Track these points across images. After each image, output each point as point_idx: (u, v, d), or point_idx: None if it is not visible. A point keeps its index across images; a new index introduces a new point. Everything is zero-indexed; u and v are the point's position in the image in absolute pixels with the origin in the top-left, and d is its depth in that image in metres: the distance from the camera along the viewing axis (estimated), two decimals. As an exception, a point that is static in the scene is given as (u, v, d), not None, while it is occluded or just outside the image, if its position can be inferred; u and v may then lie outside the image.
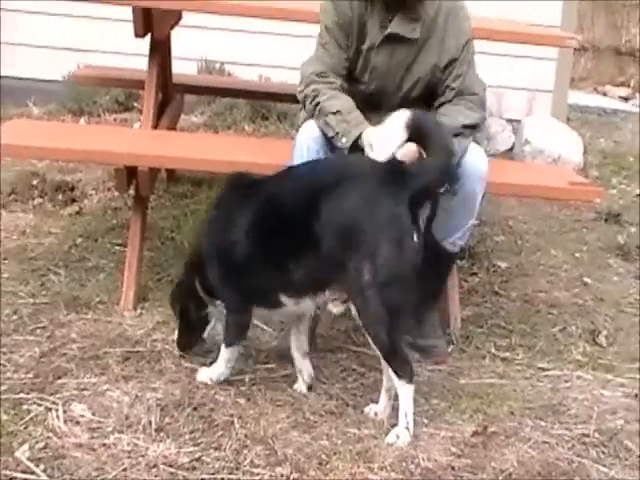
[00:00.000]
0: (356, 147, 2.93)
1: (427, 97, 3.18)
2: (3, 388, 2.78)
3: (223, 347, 2.89)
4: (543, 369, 3.27)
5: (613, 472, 2.64)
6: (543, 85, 6.48)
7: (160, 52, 4.11)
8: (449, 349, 3.35)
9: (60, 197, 4.48)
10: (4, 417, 2.62)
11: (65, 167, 4.85)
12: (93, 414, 2.68)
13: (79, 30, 6.13)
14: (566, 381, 3.20)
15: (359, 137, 2.91)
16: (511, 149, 6.23)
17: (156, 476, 2.42)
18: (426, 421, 2.83)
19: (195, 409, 2.74)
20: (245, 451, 2.56)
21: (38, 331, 3.17)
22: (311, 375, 2.94)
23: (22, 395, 2.75)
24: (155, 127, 4.01)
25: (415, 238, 2.65)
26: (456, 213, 3.15)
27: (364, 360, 3.14)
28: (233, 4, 3.72)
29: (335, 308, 2.80)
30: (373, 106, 3.11)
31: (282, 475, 2.46)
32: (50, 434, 2.56)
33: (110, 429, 2.61)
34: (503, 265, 4.23)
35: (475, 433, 2.76)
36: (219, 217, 2.90)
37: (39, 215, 4.29)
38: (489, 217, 4.84)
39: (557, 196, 3.90)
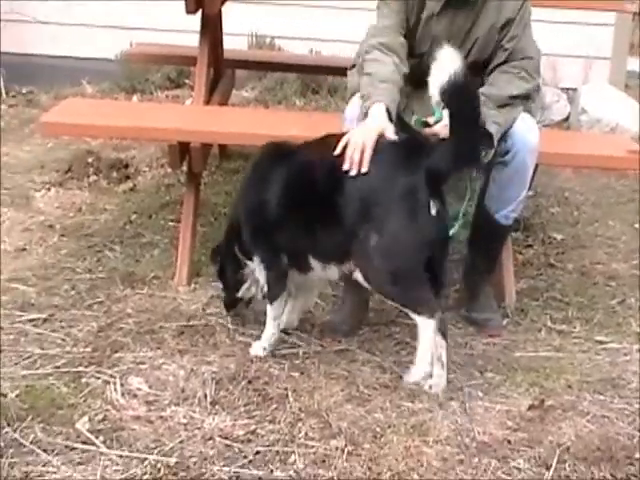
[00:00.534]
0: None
1: (483, 63, 3.12)
2: (63, 362, 2.84)
3: (268, 306, 2.95)
4: (601, 342, 3.22)
5: (674, 446, 2.59)
6: (600, 52, 6.31)
7: (211, 28, 4.11)
8: (504, 322, 3.31)
9: (114, 174, 4.53)
10: (64, 390, 2.68)
11: (119, 145, 4.91)
12: (150, 387, 2.73)
13: (131, 9, 6.17)
14: (625, 354, 3.14)
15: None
16: (567, 119, 6.10)
17: (212, 448, 2.45)
18: (481, 394, 2.81)
19: (249, 382, 2.77)
20: (299, 424, 2.57)
21: (95, 306, 3.23)
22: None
23: (81, 369, 2.81)
24: (207, 103, 4.02)
25: (433, 211, 2.67)
26: (508, 185, 3.11)
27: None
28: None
29: (361, 277, 2.83)
30: None
31: (337, 448, 2.47)
32: (109, 407, 2.61)
33: (167, 402, 2.65)
34: (559, 237, 4.16)
35: (531, 407, 2.73)
36: (254, 181, 2.99)
37: (94, 192, 4.35)
38: (544, 188, 4.77)
39: (614, 166, 3.80)
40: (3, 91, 6.00)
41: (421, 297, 2.73)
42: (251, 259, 3.00)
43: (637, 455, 2.52)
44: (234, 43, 4.97)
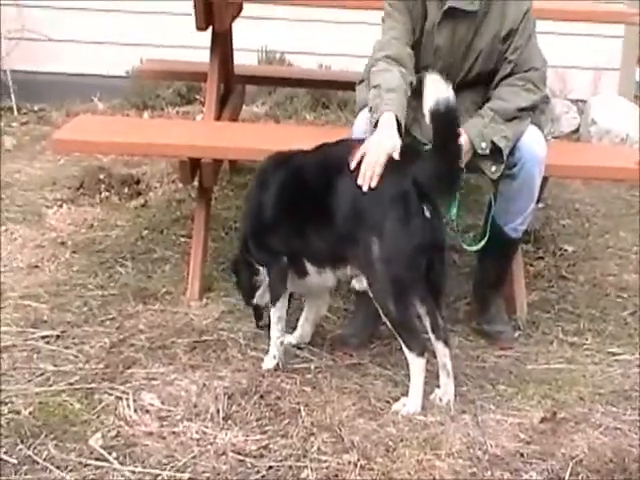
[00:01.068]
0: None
1: (488, 75, 3.13)
2: (75, 378, 2.85)
3: (272, 309, 2.99)
4: (613, 354, 3.21)
5: (687, 459, 2.58)
6: (609, 64, 6.32)
7: (221, 44, 4.14)
8: (515, 334, 3.31)
9: (126, 190, 4.56)
10: (77, 406, 2.69)
11: (130, 161, 4.93)
12: (162, 403, 2.74)
13: (141, 26, 6.21)
14: (637, 366, 3.13)
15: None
16: (577, 130, 6.10)
17: (225, 463, 2.45)
18: (493, 407, 2.81)
19: (262, 397, 2.77)
20: (312, 439, 2.57)
21: (107, 322, 3.24)
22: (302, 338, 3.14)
23: (94, 385, 2.82)
24: (218, 119, 4.04)
25: (427, 214, 2.71)
26: (516, 198, 3.12)
27: (428, 347, 3.12)
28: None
29: (358, 284, 2.87)
30: None
31: (349, 462, 2.47)
32: (121, 423, 2.62)
33: (179, 417, 2.66)
34: (570, 249, 4.16)
35: (544, 419, 2.73)
36: (255, 185, 3.09)
37: (106, 208, 4.37)
38: (554, 200, 4.76)
39: (625, 177, 3.79)
40: (15, 108, 6.05)
41: (414, 333, 2.76)
42: (263, 265, 3.03)
43: (650, 467, 2.51)
44: (244, 59, 5.00)
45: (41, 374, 2.87)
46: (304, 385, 2.87)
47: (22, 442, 2.49)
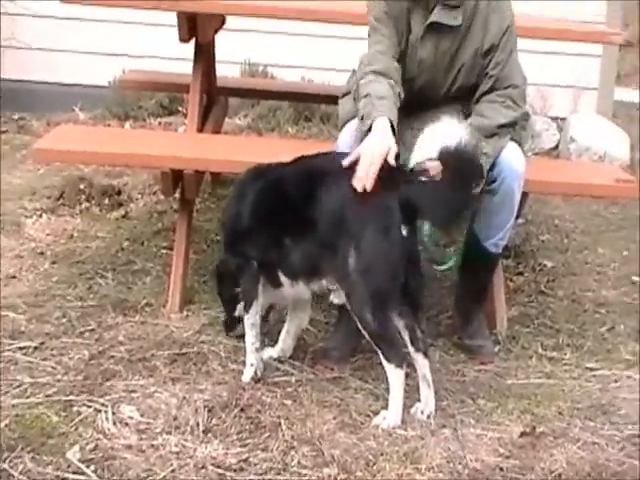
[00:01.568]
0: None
1: (469, 90, 3.15)
2: (53, 390, 2.83)
3: (245, 316, 2.99)
4: (591, 369, 3.23)
5: (665, 474, 2.60)
6: (588, 82, 6.39)
7: (204, 56, 4.14)
8: (495, 349, 3.33)
9: (107, 201, 4.54)
10: (55, 419, 2.67)
11: (111, 171, 4.92)
12: (142, 415, 2.72)
13: (124, 36, 6.20)
14: (615, 381, 3.16)
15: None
16: (556, 147, 6.16)
17: (204, 477, 2.44)
18: (473, 422, 2.82)
19: (242, 410, 2.76)
20: (292, 452, 2.57)
21: (87, 334, 3.22)
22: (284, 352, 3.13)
23: (72, 397, 2.79)
24: (200, 130, 4.04)
25: (404, 232, 2.72)
26: (496, 213, 3.14)
27: (409, 361, 3.12)
28: (276, 6, 3.73)
29: (336, 298, 2.88)
30: (422, 103, 3.10)
31: (329, 476, 2.46)
32: (100, 435, 2.60)
33: (158, 430, 2.64)
34: (549, 264, 4.18)
35: (523, 434, 2.74)
36: (235, 196, 3.11)
37: (86, 219, 4.35)
38: (535, 216, 4.80)
39: (603, 194, 3.85)
40: (-5, 117, 6.02)
41: (393, 345, 2.76)
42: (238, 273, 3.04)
43: (628, 482, 2.53)
44: (227, 71, 5.01)
45: (18, 386, 2.84)
46: (285, 398, 2.86)
47: (-2, 455, 2.47)
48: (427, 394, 2.83)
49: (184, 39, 3.84)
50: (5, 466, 2.42)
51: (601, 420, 2.88)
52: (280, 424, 2.70)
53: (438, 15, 3.04)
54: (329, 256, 2.77)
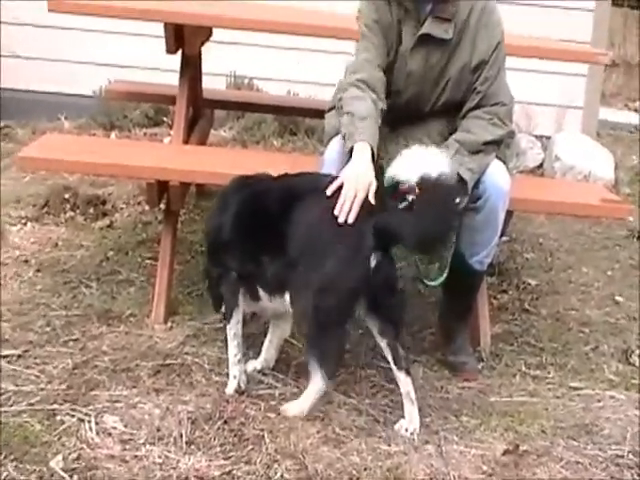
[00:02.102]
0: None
1: (455, 105, 3.17)
2: (37, 399, 2.80)
3: (227, 325, 2.99)
4: (575, 388, 3.24)
5: (647, 494, 2.62)
6: (573, 101, 6.45)
7: (191, 68, 4.14)
8: (479, 366, 3.33)
9: (91, 211, 4.52)
10: (38, 427, 2.65)
11: (96, 181, 4.90)
12: (125, 426, 2.70)
13: (110, 46, 6.20)
14: (599, 400, 3.17)
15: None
16: (541, 165, 6.20)
17: (187, 489, 2.43)
18: (457, 438, 2.82)
19: (225, 422, 2.75)
20: (275, 465, 2.56)
21: (70, 343, 3.20)
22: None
23: (55, 406, 2.77)
24: (186, 142, 4.03)
25: (378, 258, 2.71)
26: (480, 231, 3.15)
27: (393, 377, 3.13)
28: (263, 20, 3.74)
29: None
30: (409, 117, 3.12)
31: (313, 490, 2.46)
32: (83, 445, 2.58)
33: (142, 441, 2.63)
34: (533, 282, 4.20)
35: (506, 452, 2.74)
36: (217, 206, 3.12)
37: (71, 228, 4.33)
38: (519, 234, 4.82)
39: (588, 213, 3.87)
40: (-20, 125, 5.99)
41: (331, 360, 2.76)
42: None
43: (611, 501, 2.54)
44: (213, 83, 5.01)
45: (1, 394, 2.82)
46: (268, 411, 2.85)
47: (-20, 463, 2.44)
48: (411, 411, 2.83)
49: (171, 50, 3.84)
50: (-13, 474, 2.41)
51: (584, 440, 2.88)
52: (264, 437, 2.69)
53: (430, 27, 3.06)
54: (291, 273, 2.77)
